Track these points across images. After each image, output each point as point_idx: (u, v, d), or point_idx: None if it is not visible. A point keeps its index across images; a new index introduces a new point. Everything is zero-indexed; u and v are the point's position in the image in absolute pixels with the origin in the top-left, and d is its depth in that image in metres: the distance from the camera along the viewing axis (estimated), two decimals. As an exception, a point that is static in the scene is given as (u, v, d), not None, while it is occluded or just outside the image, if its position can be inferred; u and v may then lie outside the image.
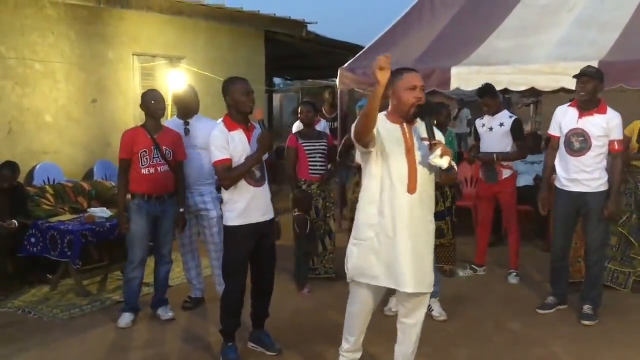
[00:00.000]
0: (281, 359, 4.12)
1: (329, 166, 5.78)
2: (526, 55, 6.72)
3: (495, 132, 5.73)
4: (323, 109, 8.42)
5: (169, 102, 8.68)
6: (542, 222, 6.54)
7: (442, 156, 3.13)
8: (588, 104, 4.61)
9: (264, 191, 4.03)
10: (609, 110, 4.63)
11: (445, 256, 4.90)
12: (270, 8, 10.33)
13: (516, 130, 5.67)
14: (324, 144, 5.75)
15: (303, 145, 5.65)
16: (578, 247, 5.17)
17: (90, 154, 7.94)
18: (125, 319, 4.72)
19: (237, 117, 3.94)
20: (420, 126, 3.31)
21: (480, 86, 5.97)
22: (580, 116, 4.63)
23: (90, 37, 7.88)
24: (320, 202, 5.67)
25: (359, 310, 3.52)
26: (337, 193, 7.29)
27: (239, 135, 3.91)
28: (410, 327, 3.46)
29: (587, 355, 4.12)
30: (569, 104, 4.87)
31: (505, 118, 5.76)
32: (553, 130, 4.84)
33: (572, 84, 6.16)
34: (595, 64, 5.99)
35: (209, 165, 4.85)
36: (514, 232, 5.77)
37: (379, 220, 3.25)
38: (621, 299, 5.14)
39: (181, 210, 4.80)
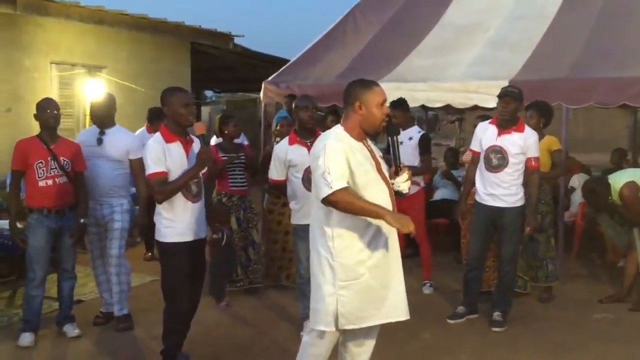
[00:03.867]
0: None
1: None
2: (442, 74, 6.98)
3: (405, 145, 5.87)
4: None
5: (87, 111, 8.53)
6: (458, 235, 6.76)
7: (406, 180, 3.16)
8: (507, 123, 4.81)
9: (201, 207, 3.94)
10: (527, 128, 4.85)
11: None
12: (197, 20, 10.30)
13: (423, 144, 5.81)
14: (242, 156, 5.76)
15: (223, 158, 5.64)
16: (489, 258, 5.36)
17: (2, 164, 7.62)
18: (26, 338, 4.48)
19: (175, 128, 3.84)
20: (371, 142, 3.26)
21: (394, 99, 6.13)
22: (499, 134, 4.82)
23: (5, 44, 7.63)
24: (241, 213, 5.67)
25: (324, 354, 3.26)
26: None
27: (177, 147, 3.82)
28: (365, 355, 3.36)
29: (490, 362, 4.28)
30: (489, 121, 5.06)
31: (415, 132, 5.92)
32: (474, 146, 5.03)
33: (484, 102, 6.53)
34: (505, 83, 6.30)
35: (122, 177, 4.79)
36: (424, 244, 5.92)
37: (371, 253, 3.08)
38: (528, 308, 5.35)
39: (82, 220, 4.62)
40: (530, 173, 4.84)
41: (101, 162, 4.75)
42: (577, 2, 7.47)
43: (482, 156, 4.89)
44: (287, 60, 8.73)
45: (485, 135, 4.90)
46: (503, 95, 4.80)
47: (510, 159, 4.75)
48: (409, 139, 5.86)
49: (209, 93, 18.65)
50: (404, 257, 6.23)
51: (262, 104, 8.10)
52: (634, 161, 8.56)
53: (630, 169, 6.50)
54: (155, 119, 7.18)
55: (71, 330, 4.69)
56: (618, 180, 5.25)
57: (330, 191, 2.93)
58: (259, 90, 8.08)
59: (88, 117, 8.50)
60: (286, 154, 4.54)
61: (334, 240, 3.06)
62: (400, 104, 5.97)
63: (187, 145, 3.88)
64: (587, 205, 6.96)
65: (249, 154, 5.93)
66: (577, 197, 7.31)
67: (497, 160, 4.79)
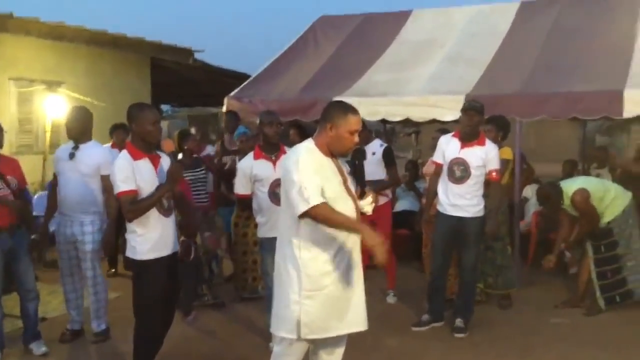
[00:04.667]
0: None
1: None
2: (402, 88, 7.18)
3: (369, 161, 6.02)
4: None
5: (47, 127, 8.43)
6: (419, 245, 6.93)
7: (370, 203, 3.27)
8: (470, 136, 5.00)
9: (172, 222, 3.95)
10: (488, 142, 5.05)
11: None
12: (157, 35, 10.31)
13: (387, 157, 5.95)
14: (202, 171, 5.81)
15: (184, 175, 5.67)
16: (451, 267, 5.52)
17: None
18: None
19: (142, 145, 3.83)
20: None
21: None
22: (462, 147, 5.01)
23: (-39, 60, 7.51)
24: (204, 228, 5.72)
25: None
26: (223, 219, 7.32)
27: (145, 164, 3.81)
28: None
29: (455, 367, 4.43)
30: (452, 134, 5.24)
31: (377, 147, 6.04)
32: (437, 158, 5.20)
33: (442, 115, 6.74)
34: (461, 98, 6.54)
35: (93, 193, 4.74)
36: (390, 255, 6.05)
37: (336, 265, 3.14)
38: (488, 314, 5.54)
39: (32, 237, 4.58)
40: (491, 184, 5.04)
41: (72, 177, 4.71)
42: (528, 20, 7.79)
43: (445, 168, 5.07)
44: (248, 75, 8.81)
45: (449, 147, 5.08)
46: (467, 109, 4.99)
47: (472, 171, 4.94)
48: (372, 153, 6.00)
49: (165, 107, 18.54)
50: (369, 267, 6.45)
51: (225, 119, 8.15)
52: (584, 172, 8.90)
53: (581, 177, 6.81)
54: (112, 133, 7.16)
55: (38, 348, 4.64)
56: (570, 187, 5.52)
57: (307, 207, 3.00)
58: (220, 105, 8.13)
59: (48, 134, 8.45)
60: (251, 169, 4.60)
61: (301, 251, 3.13)
62: None
63: (155, 161, 3.88)
64: (540, 215, 7.27)
65: (211, 167, 5.98)
66: (530, 207, 7.59)
67: (460, 172, 4.97)
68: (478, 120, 4.99)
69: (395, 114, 7.13)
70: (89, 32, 8.73)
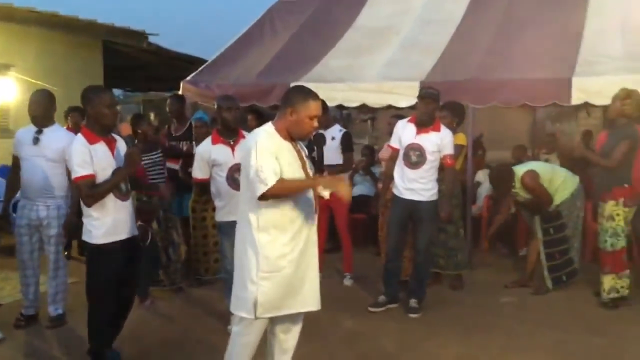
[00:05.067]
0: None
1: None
2: (358, 74, 7.25)
3: (328, 145, 6.10)
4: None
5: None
6: (375, 229, 7.05)
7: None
8: (425, 122, 5.12)
9: (129, 205, 3.95)
10: (443, 128, 5.18)
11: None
12: (110, 17, 10.08)
13: (345, 142, 6.04)
14: (159, 154, 5.77)
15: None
16: (406, 249, 5.64)
17: None
18: None
19: (98, 129, 3.82)
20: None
21: None
22: (418, 132, 5.12)
23: None
24: (161, 214, 5.68)
25: (253, 341, 3.39)
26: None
27: (102, 148, 3.80)
28: (292, 341, 3.54)
29: (410, 346, 4.56)
30: (408, 119, 5.35)
31: (336, 132, 6.14)
32: (393, 143, 5.31)
33: (398, 101, 6.85)
34: (416, 84, 6.66)
35: (58, 178, 4.68)
36: (346, 238, 6.17)
37: (293, 248, 3.24)
38: (441, 295, 5.71)
39: None
40: (446, 169, 5.18)
41: (37, 162, 4.64)
42: (481, 8, 7.92)
43: (401, 153, 5.18)
44: (204, 60, 8.76)
45: (405, 133, 5.19)
46: (424, 96, 5.11)
47: (427, 156, 5.06)
48: (332, 138, 6.07)
49: (116, 91, 18.18)
50: (326, 251, 6.54)
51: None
52: (533, 157, 9.18)
53: (531, 162, 7.03)
54: (67, 117, 7.08)
55: (-6, 333, 4.58)
56: (520, 170, 5.72)
57: (265, 188, 3.10)
58: (172, 89, 8.06)
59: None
60: (210, 154, 4.61)
61: (260, 234, 3.22)
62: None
63: (111, 144, 3.87)
64: (491, 199, 7.48)
65: (166, 148, 5.93)
66: (482, 191, 7.80)
67: (415, 157, 5.09)
68: (434, 107, 5.12)
69: (352, 100, 7.20)
70: (39, 14, 8.48)
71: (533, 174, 5.63)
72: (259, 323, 3.32)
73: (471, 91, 6.56)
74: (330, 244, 6.81)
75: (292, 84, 7.18)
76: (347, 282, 6.09)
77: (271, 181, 3.11)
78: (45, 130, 4.69)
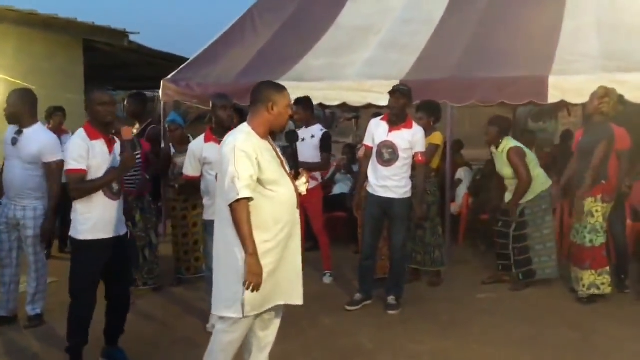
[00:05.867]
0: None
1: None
2: (338, 73, 7.29)
3: (306, 142, 6.12)
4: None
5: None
6: (355, 227, 7.09)
7: (305, 183, 3.45)
8: (397, 119, 5.16)
9: (120, 205, 4.00)
10: (414, 125, 5.23)
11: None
12: (90, 16, 10.01)
13: (324, 142, 6.08)
14: (138, 154, 5.74)
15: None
16: (381, 246, 5.69)
17: None
18: None
19: (98, 126, 3.92)
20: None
21: (298, 97, 6.36)
22: (390, 130, 5.16)
23: None
24: (138, 214, 5.65)
25: (238, 339, 3.40)
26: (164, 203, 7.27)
27: (100, 145, 3.90)
28: (271, 337, 3.57)
29: (387, 342, 4.60)
30: (380, 117, 5.39)
31: (317, 131, 6.17)
32: (367, 141, 5.35)
33: (377, 100, 6.89)
34: (397, 82, 6.69)
35: (36, 180, 4.65)
36: (323, 237, 6.18)
37: (276, 244, 3.26)
38: (419, 291, 5.76)
39: None
40: (417, 166, 5.22)
41: (15, 163, 4.63)
42: (460, 7, 7.99)
43: (374, 151, 5.21)
44: (187, 59, 8.72)
45: (378, 131, 5.23)
46: (394, 91, 5.16)
47: (400, 153, 5.10)
48: (312, 136, 6.10)
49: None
50: (306, 250, 6.56)
51: (162, 103, 8.08)
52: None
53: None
54: (50, 117, 7.06)
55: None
56: (512, 141, 5.77)
57: (237, 197, 3.12)
58: (154, 89, 8.05)
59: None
60: (202, 151, 4.63)
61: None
62: (303, 102, 6.21)
63: (110, 144, 3.97)
64: (470, 196, 7.56)
65: (147, 152, 5.92)
66: (462, 189, 7.87)
67: (388, 154, 5.13)
68: (404, 102, 5.15)
69: (332, 99, 7.25)
70: (17, 13, 8.39)
71: (522, 151, 5.70)
72: (246, 321, 3.32)
73: (449, 90, 6.63)
74: (309, 243, 6.84)
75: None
76: (327, 280, 6.13)
77: (244, 194, 3.12)
78: (26, 130, 4.64)
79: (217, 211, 3.40)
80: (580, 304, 5.36)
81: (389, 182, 5.14)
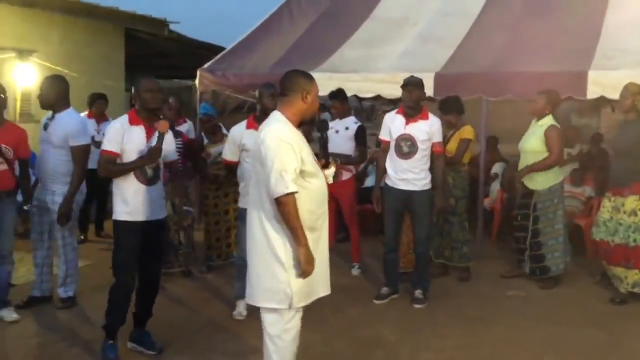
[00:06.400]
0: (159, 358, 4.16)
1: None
2: (373, 65, 7.26)
3: (340, 134, 6.15)
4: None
5: (18, 96, 8.40)
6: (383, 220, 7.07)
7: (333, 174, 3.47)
8: (413, 111, 5.14)
9: (155, 190, 4.10)
10: (431, 116, 5.20)
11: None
12: (132, 5, 10.18)
13: (359, 135, 6.09)
14: (179, 141, 5.86)
15: None
16: (409, 240, 5.67)
17: None
18: None
19: (142, 113, 4.06)
20: None
21: (332, 90, 6.39)
22: (407, 122, 5.14)
23: None
24: (177, 199, 5.76)
25: (295, 335, 3.34)
26: (196, 191, 7.37)
27: (139, 130, 4.03)
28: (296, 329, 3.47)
29: (409, 335, 4.60)
30: (395, 111, 5.37)
31: (351, 123, 6.19)
32: (383, 135, 5.32)
33: None
34: (431, 75, 6.67)
35: (65, 164, 4.76)
36: (354, 229, 6.21)
37: (312, 234, 3.22)
38: (447, 286, 5.73)
39: (25, 207, 4.70)
40: (435, 157, 5.20)
41: (46, 147, 4.78)
42: (499, 1, 7.87)
43: (392, 144, 5.19)
44: (224, 48, 8.82)
45: (394, 124, 5.21)
46: (406, 84, 5.14)
47: (419, 145, 5.08)
48: (346, 128, 6.14)
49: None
50: (337, 241, 6.58)
51: (198, 92, 8.18)
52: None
53: None
54: (92, 104, 7.22)
55: (8, 314, 4.71)
56: (553, 121, 5.64)
57: (287, 191, 3.08)
58: (194, 78, 8.15)
59: (18, 102, 8.41)
60: (241, 138, 4.68)
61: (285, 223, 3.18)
62: (337, 94, 6.25)
63: (149, 131, 4.06)
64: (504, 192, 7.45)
65: (188, 142, 6.03)
66: (497, 185, 7.77)
67: (407, 147, 5.11)
68: (418, 94, 5.13)
69: (366, 91, 7.23)
70: (61, 1, 8.62)
71: (562, 134, 5.64)
72: (297, 316, 3.29)
73: (485, 83, 6.55)
74: (341, 234, 6.87)
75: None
76: (355, 271, 6.14)
77: (292, 188, 3.10)
78: (57, 115, 4.79)
79: (252, 203, 3.34)
80: (612, 304, 5.24)
81: (409, 175, 5.12)
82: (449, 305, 5.23)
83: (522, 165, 5.76)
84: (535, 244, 5.71)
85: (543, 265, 5.71)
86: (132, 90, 4.15)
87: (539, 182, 5.63)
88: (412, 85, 5.10)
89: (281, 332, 3.28)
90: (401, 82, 6.83)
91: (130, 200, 4.00)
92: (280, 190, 3.09)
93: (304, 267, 3.15)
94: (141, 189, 4.02)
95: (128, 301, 4.12)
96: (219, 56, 8.36)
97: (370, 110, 17.02)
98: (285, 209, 3.11)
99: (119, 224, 4.04)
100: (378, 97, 7.74)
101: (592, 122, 16.32)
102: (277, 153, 3.12)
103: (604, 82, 6.11)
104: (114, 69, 9.95)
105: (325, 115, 17.64)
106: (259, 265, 3.27)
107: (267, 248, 3.22)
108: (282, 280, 3.18)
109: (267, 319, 3.30)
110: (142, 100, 4.04)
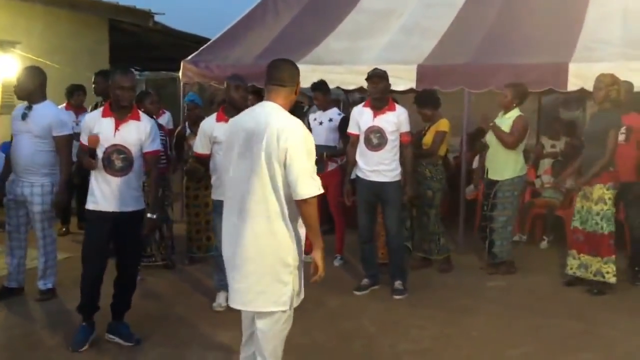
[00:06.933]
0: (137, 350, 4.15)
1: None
2: (357, 57, 7.26)
3: (324, 126, 6.16)
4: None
5: (0, 88, 8.31)
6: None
7: None
8: (380, 103, 5.16)
9: (125, 181, 4.09)
10: (397, 107, 5.23)
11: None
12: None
13: (343, 127, 6.07)
14: (161, 134, 5.82)
15: None
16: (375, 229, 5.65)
17: None
18: None
19: (114, 106, 4.10)
20: None
21: (314, 82, 6.39)
22: (375, 115, 5.16)
23: None
24: (160, 191, 5.75)
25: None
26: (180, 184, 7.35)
27: (108, 122, 4.08)
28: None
29: (389, 326, 4.63)
30: (362, 104, 5.38)
31: (335, 114, 6.23)
32: (352, 129, 5.33)
33: (395, 85, 6.68)
34: (414, 67, 6.68)
35: (44, 155, 4.76)
36: (339, 220, 6.22)
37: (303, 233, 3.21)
38: (428, 277, 5.76)
39: None
40: (404, 147, 5.22)
41: (24, 138, 4.74)
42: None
43: (361, 137, 5.21)
44: (208, 40, 8.78)
45: (362, 117, 5.22)
46: (371, 76, 5.15)
47: (388, 136, 5.11)
48: (329, 120, 6.19)
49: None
50: (323, 233, 6.56)
51: (182, 84, 8.15)
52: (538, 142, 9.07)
53: None
54: (70, 95, 7.19)
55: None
56: (520, 113, 5.76)
57: (317, 192, 3.01)
58: (179, 70, 8.12)
59: (0, 95, 8.32)
60: (212, 130, 4.66)
61: (292, 223, 3.09)
62: (320, 86, 6.26)
63: (119, 122, 4.09)
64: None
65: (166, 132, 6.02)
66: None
67: (377, 139, 5.13)
68: (383, 85, 5.14)
69: (350, 83, 7.22)
70: (44, -8, 8.56)
71: (527, 121, 5.74)
72: (291, 312, 3.20)
73: (467, 75, 6.57)
74: (326, 225, 6.87)
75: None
76: (337, 262, 6.16)
77: (321, 189, 3.04)
78: (35, 106, 4.77)
79: (250, 201, 3.07)
80: (590, 294, 5.29)
81: (380, 167, 5.15)
82: (430, 297, 5.26)
83: (491, 158, 5.79)
84: (490, 230, 5.77)
85: (494, 252, 5.79)
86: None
87: (503, 173, 5.71)
88: (377, 76, 5.11)
89: (279, 331, 3.19)
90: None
91: (96, 190, 4.08)
92: (311, 191, 2.98)
93: (322, 271, 3.10)
94: (110, 179, 4.06)
95: (94, 288, 4.14)
96: (202, 48, 8.34)
97: (357, 103, 16.99)
98: (310, 209, 3.02)
99: (87, 212, 4.14)
100: (363, 90, 7.73)
101: (579, 114, 16.45)
102: (304, 154, 3.01)
103: (584, 74, 6.11)
104: (98, 60, 9.84)
105: (314, 108, 17.74)
106: (259, 269, 3.08)
107: (273, 249, 3.06)
108: (287, 282, 3.07)
109: (267, 322, 3.14)
110: (113, 96, 4.09)
